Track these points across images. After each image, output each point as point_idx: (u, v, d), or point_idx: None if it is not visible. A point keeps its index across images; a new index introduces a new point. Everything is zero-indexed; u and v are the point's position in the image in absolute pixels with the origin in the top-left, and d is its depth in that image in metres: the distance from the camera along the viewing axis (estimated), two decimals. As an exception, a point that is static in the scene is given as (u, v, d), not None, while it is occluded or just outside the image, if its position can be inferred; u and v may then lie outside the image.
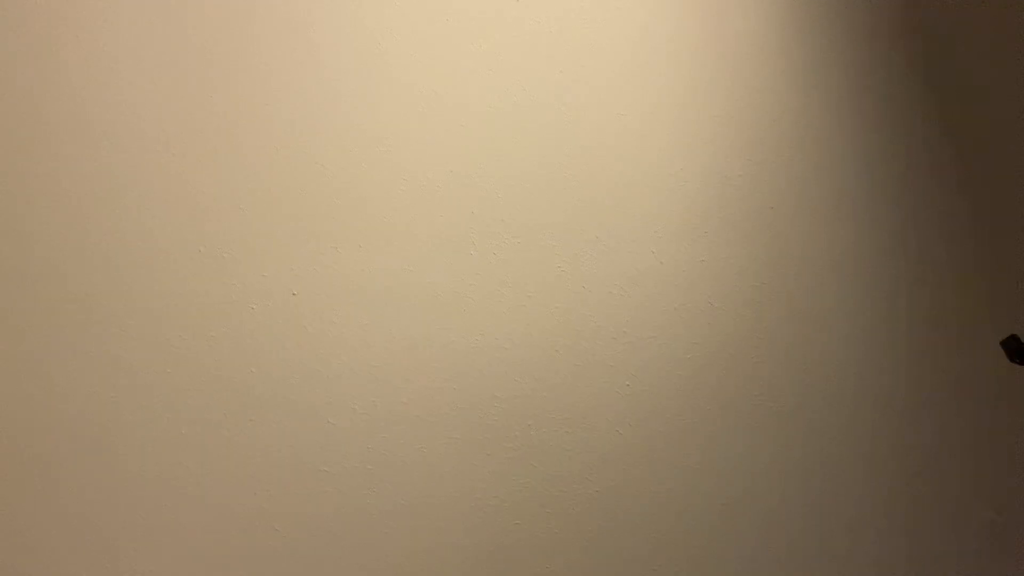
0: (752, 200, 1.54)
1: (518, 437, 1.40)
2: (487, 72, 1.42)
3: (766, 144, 1.56)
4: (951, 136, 1.67)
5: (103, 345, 1.23)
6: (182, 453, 1.25)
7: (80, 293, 1.22)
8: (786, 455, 1.53)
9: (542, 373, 1.41)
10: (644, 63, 1.50)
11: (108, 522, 1.21)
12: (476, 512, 1.37)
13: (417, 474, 1.35)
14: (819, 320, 1.56)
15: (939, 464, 1.60)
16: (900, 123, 1.65)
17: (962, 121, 1.68)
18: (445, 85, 1.40)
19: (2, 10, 1.21)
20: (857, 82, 1.62)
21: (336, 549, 1.31)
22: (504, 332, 1.40)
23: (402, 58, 1.38)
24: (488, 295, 1.39)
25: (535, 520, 1.40)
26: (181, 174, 1.27)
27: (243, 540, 1.27)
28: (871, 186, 1.62)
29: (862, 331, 1.58)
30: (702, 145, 1.52)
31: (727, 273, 1.52)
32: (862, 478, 1.56)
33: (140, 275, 1.25)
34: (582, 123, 1.46)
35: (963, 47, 1.69)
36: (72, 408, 1.21)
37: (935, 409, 1.61)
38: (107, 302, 1.23)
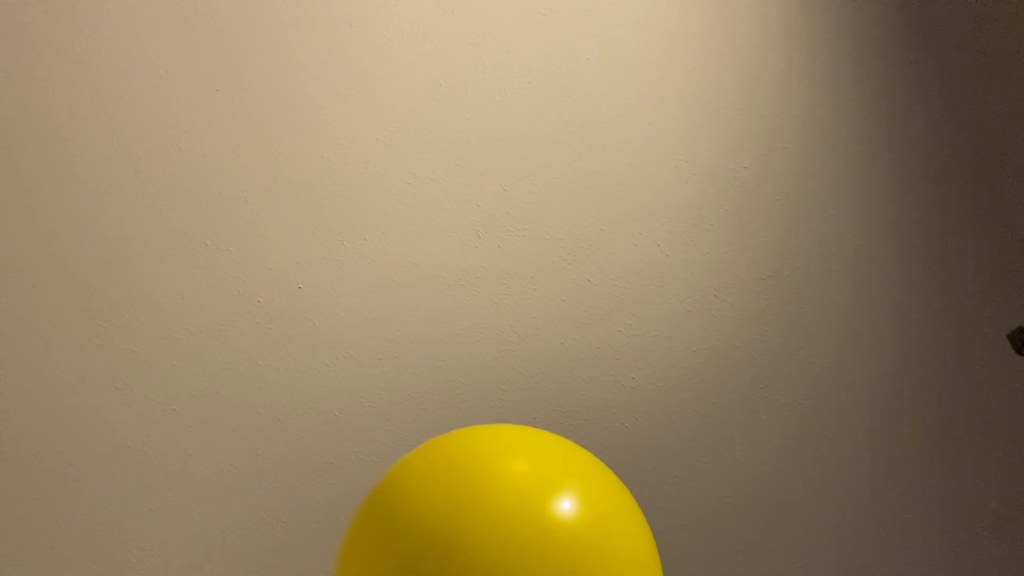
0: (758, 192, 1.54)
1: (523, 429, 1.40)
2: (491, 64, 1.41)
3: (773, 136, 1.55)
4: (959, 129, 1.67)
5: (110, 338, 1.23)
6: (189, 445, 1.25)
7: (87, 286, 1.22)
8: (791, 448, 1.53)
9: (547, 366, 1.41)
10: (650, 54, 1.49)
11: (116, 514, 1.22)
12: (482, 504, 1.38)
13: (423, 466, 1.35)
14: (825, 313, 1.56)
15: (944, 456, 1.60)
16: (909, 116, 1.64)
17: (971, 115, 1.68)
18: (449, 77, 1.39)
19: (15, 6, 1.21)
20: (867, 75, 1.62)
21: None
22: (509, 325, 1.40)
23: (406, 50, 1.37)
24: (493, 288, 1.39)
25: (540, 512, 1.40)
26: (187, 168, 1.27)
27: (250, 532, 1.27)
28: (878, 179, 1.61)
29: (868, 324, 1.58)
30: (708, 137, 1.52)
31: (733, 266, 1.51)
32: (867, 471, 1.56)
33: (147, 268, 1.25)
34: (587, 114, 1.46)
35: (973, 40, 1.68)
36: (79, 401, 1.21)
37: (940, 401, 1.61)
38: (114, 295, 1.23)
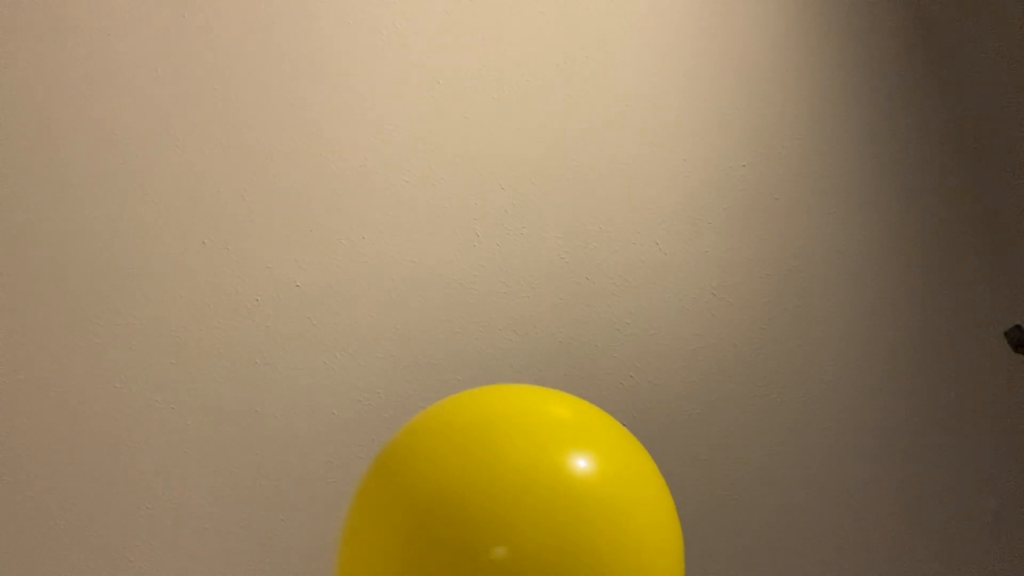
0: (756, 191, 1.54)
1: (521, 428, 1.40)
2: (490, 62, 1.42)
3: (771, 135, 1.55)
4: (959, 128, 1.67)
5: (108, 337, 1.23)
6: (187, 445, 1.25)
7: (84, 285, 1.23)
8: (789, 447, 1.53)
9: (545, 364, 1.42)
10: (649, 52, 1.50)
11: (113, 514, 1.22)
12: (480, 502, 1.38)
13: (421, 464, 1.35)
14: (822, 312, 1.56)
15: (941, 454, 1.60)
16: (908, 115, 1.64)
17: (971, 113, 1.68)
18: (448, 75, 1.39)
19: (8, 8, 1.21)
20: (865, 74, 1.62)
21: (340, 539, 1.31)
22: (507, 323, 1.40)
23: (405, 49, 1.38)
24: (491, 286, 1.40)
25: (538, 510, 1.40)
26: (185, 166, 1.27)
27: (248, 531, 1.27)
28: (876, 178, 1.61)
29: (867, 322, 1.58)
30: (707, 135, 1.52)
31: (731, 264, 1.51)
32: (864, 469, 1.56)
33: (145, 267, 1.25)
34: (586, 113, 1.46)
35: (973, 39, 1.68)
36: (76, 400, 1.22)
37: (938, 399, 1.61)
38: (111, 294, 1.24)
